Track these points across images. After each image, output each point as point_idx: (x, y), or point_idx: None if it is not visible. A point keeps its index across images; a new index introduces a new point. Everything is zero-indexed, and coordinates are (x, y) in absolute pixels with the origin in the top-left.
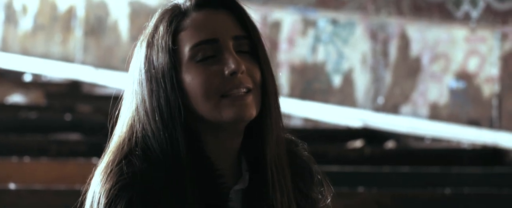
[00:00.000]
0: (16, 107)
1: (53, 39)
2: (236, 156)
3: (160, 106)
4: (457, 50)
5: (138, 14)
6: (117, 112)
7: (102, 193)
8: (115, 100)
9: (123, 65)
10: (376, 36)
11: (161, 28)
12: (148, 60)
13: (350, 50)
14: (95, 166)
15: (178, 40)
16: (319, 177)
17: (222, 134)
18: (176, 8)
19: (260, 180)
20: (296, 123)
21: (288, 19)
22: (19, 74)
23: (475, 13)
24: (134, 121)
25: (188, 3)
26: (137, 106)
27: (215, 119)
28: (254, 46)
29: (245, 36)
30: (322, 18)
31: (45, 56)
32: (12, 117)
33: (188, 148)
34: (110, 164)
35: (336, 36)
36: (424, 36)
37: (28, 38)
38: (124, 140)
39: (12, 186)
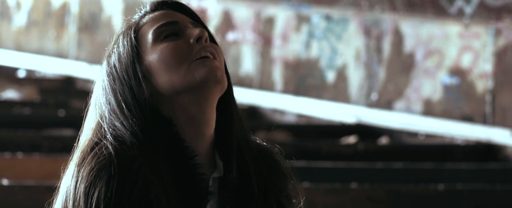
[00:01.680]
0: (9, 103)
1: (47, 35)
2: (211, 146)
3: (126, 101)
4: (450, 46)
5: (132, 10)
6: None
7: (79, 180)
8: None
9: None
10: (369, 32)
11: (121, 36)
12: (110, 65)
13: (343, 46)
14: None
15: (139, 34)
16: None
17: (196, 113)
18: (132, 17)
19: (230, 168)
20: (289, 119)
21: (282, 15)
22: (13, 70)
23: (468, 9)
24: (100, 124)
25: (143, 11)
26: (101, 113)
27: (188, 81)
28: (209, 34)
29: (200, 25)
30: (316, 14)
31: (39, 52)
32: (5, 113)
33: (163, 135)
34: (82, 154)
35: (329, 32)
36: (417, 32)
37: (22, 34)
38: (95, 132)
39: (4, 182)
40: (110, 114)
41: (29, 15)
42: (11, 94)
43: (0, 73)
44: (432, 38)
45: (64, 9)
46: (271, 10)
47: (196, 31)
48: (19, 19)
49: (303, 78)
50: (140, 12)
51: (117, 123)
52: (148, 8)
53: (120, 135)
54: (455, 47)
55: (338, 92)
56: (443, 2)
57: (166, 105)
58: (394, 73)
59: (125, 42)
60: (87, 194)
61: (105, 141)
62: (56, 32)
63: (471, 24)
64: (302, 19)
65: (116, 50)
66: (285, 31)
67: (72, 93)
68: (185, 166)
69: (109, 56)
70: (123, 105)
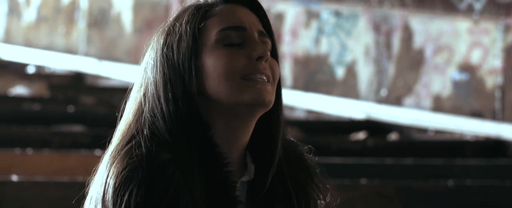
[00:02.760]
0: (19, 99)
1: (56, 31)
2: (244, 150)
3: (175, 94)
4: (460, 42)
5: (141, 6)
6: (125, 102)
7: (111, 176)
8: (118, 92)
9: (126, 57)
10: (379, 28)
11: (186, 16)
12: (168, 47)
13: (353, 42)
14: (100, 156)
15: (204, 26)
16: (318, 177)
17: (234, 123)
18: (202, 1)
19: (266, 173)
20: (299, 115)
21: (291, 11)
22: (23, 66)
23: (478, 5)
24: (142, 105)
25: None
26: (146, 92)
27: (235, 99)
28: (273, 46)
29: (267, 34)
30: (325, 10)
31: (49, 48)
32: (15, 109)
33: (199, 135)
34: (117, 147)
35: (339, 28)
36: (427, 28)
37: (32, 30)
38: (130, 124)
39: (14, 178)
40: (154, 100)
41: (39, 11)
42: (20, 90)
43: (9, 69)
44: (441, 34)
45: (74, 5)
46: (280, 6)
47: (260, 49)
48: (29, 15)
49: (313, 74)
50: None
51: (158, 114)
52: None
53: (157, 130)
54: (465, 43)
55: (347, 88)
56: None
57: (206, 108)
58: (404, 69)
59: (188, 29)
60: (117, 194)
61: (141, 136)
62: (66, 28)
63: (480, 20)
64: (311, 15)
65: (178, 31)
66: (295, 27)
67: (82, 89)
68: (217, 174)
69: (169, 33)
70: (170, 96)
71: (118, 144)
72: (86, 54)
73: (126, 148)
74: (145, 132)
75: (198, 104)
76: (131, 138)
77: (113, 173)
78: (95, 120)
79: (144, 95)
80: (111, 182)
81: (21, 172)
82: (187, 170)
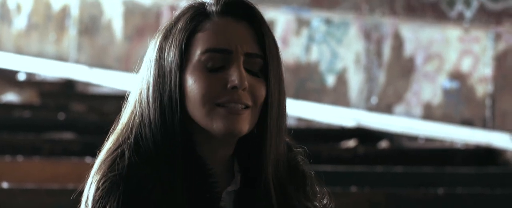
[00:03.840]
0: (9, 106)
1: (47, 38)
2: (229, 159)
3: (161, 98)
4: (450, 50)
5: (132, 13)
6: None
7: (92, 186)
8: (109, 99)
9: (117, 64)
10: (369, 36)
11: (180, 23)
12: (161, 50)
13: (343, 50)
14: (91, 164)
15: (193, 39)
16: (312, 181)
17: (214, 141)
18: (201, 7)
19: (252, 182)
20: (289, 122)
21: (282, 18)
22: (13, 73)
23: (468, 13)
24: (135, 105)
25: (213, 7)
26: (141, 91)
27: (206, 125)
28: (266, 65)
29: (259, 54)
30: (316, 18)
31: (39, 55)
32: (5, 116)
33: (182, 146)
34: (107, 153)
35: (330, 35)
36: (417, 36)
37: (22, 37)
38: (123, 126)
39: (4, 185)
40: (145, 104)
41: (30, 18)
42: (11, 97)
43: (0, 76)
44: (432, 42)
45: (64, 12)
46: (271, 14)
47: (236, 79)
48: (20, 22)
49: (303, 82)
50: (210, 5)
51: (145, 120)
52: (218, 7)
53: (142, 138)
54: (455, 51)
55: (338, 95)
56: (443, 6)
57: (189, 119)
58: (394, 77)
59: (179, 39)
60: (98, 205)
61: (126, 145)
62: (56, 35)
63: (471, 28)
64: (302, 23)
65: (171, 38)
66: (285, 35)
67: (72, 96)
68: (201, 185)
69: (166, 36)
70: (158, 103)
71: (108, 149)
72: (77, 61)
73: (111, 156)
74: (130, 140)
75: (182, 115)
76: (118, 146)
77: (95, 182)
78: (85, 128)
79: (140, 94)
80: (91, 192)
81: (12, 179)
82: (168, 184)
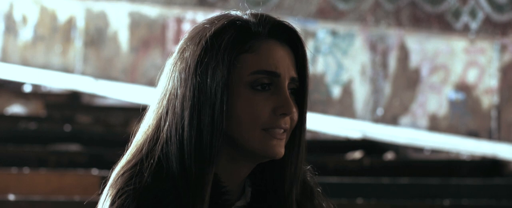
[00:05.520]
0: (15, 118)
1: (53, 49)
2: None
3: (200, 116)
4: (456, 61)
5: (138, 25)
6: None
7: (108, 194)
8: (115, 111)
9: (123, 76)
10: (375, 47)
11: (226, 39)
12: (202, 68)
13: (349, 61)
14: (97, 176)
15: (239, 60)
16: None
17: (241, 159)
18: (245, 25)
19: (264, 197)
20: None
21: None
22: (19, 85)
23: (474, 25)
24: (162, 119)
25: (260, 28)
26: (169, 106)
27: (249, 147)
28: (301, 88)
29: (298, 79)
30: (322, 29)
31: (45, 66)
32: (11, 128)
33: (213, 165)
34: (125, 165)
35: (335, 47)
36: (423, 47)
37: (28, 49)
38: (145, 140)
39: (11, 197)
40: (176, 121)
41: (35, 30)
42: (17, 109)
43: (6, 87)
44: (437, 54)
45: (70, 24)
46: None
47: (286, 106)
48: (25, 34)
49: (309, 93)
50: (255, 25)
51: (174, 138)
52: (266, 29)
53: (166, 157)
54: (461, 62)
55: (343, 107)
56: (449, 17)
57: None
58: (400, 88)
59: (226, 59)
60: None
61: (146, 161)
62: (62, 47)
63: (476, 39)
64: (308, 34)
65: (216, 56)
66: None
67: (78, 108)
68: (215, 203)
69: (206, 51)
70: (195, 123)
71: (127, 162)
72: (83, 73)
73: (130, 171)
74: (154, 155)
75: (222, 133)
76: (138, 161)
77: (111, 196)
78: (91, 139)
79: (167, 109)
80: (106, 205)
81: (18, 191)
82: (187, 202)
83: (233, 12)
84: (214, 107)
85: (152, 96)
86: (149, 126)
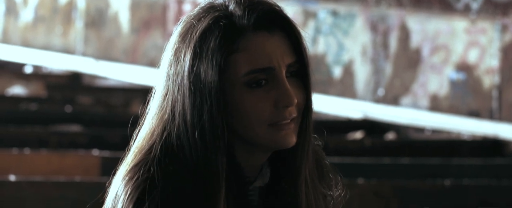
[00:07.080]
0: (16, 99)
1: (53, 31)
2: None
3: (202, 122)
4: (457, 41)
5: (138, 6)
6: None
7: (127, 197)
8: (116, 91)
9: (123, 57)
10: (376, 27)
11: (212, 41)
12: (194, 71)
13: (350, 42)
14: (97, 156)
15: (230, 60)
16: (329, 171)
17: (257, 150)
18: (230, 22)
19: (280, 178)
20: None
21: (288, 10)
22: (20, 66)
23: (475, 5)
24: (167, 126)
25: (244, 21)
26: (172, 114)
27: (259, 142)
28: (303, 71)
29: (296, 61)
30: (323, 10)
31: (46, 47)
32: (12, 109)
33: (223, 158)
34: (133, 168)
35: (336, 27)
36: (424, 27)
37: (29, 30)
38: (152, 144)
39: (12, 177)
40: (181, 126)
41: (36, 11)
42: (18, 90)
43: (7, 69)
44: (438, 34)
45: (71, 5)
46: None
47: (288, 97)
48: (26, 15)
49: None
50: (240, 17)
51: (183, 138)
52: (251, 21)
53: (179, 156)
54: (462, 42)
55: (344, 87)
56: None
57: (231, 135)
58: (401, 68)
59: (215, 61)
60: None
61: (160, 163)
62: (63, 28)
63: (477, 19)
64: (308, 15)
65: (205, 57)
66: None
67: (79, 89)
68: (238, 194)
69: (196, 52)
70: (198, 125)
71: (135, 165)
72: (84, 54)
73: (140, 163)
74: (166, 159)
75: (226, 134)
76: (147, 153)
77: (129, 194)
78: (92, 120)
79: (172, 109)
80: (123, 196)
81: (19, 172)
82: (211, 192)
83: (217, 2)
84: (211, 109)
85: (152, 96)
86: (155, 117)
